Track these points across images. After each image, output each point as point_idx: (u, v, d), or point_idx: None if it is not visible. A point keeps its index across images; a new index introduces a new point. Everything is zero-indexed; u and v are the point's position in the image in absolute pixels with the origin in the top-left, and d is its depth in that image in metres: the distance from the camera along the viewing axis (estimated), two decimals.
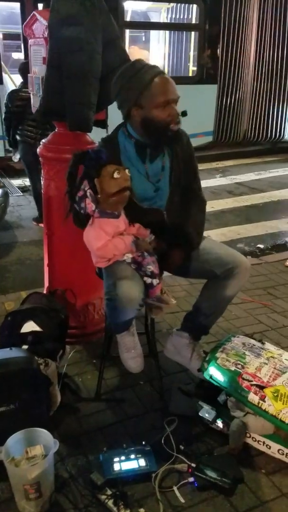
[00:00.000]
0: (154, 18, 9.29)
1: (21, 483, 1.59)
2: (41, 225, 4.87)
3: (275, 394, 1.87)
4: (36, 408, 1.86)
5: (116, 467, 1.75)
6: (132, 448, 1.84)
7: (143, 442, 1.87)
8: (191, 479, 1.76)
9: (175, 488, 1.74)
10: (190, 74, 8.69)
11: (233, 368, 1.97)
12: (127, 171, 1.80)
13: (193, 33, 8.39)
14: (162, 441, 1.90)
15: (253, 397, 1.87)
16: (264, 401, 1.85)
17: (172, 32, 9.23)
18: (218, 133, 8.42)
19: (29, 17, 2.44)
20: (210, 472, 1.75)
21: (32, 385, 1.84)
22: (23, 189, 6.42)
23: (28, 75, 2.57)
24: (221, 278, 2.02)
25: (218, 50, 7.91)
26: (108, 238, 1.84)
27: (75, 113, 2.22)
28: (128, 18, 8.30)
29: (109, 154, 1.83)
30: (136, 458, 1.79)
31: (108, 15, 2.28)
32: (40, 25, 2.29)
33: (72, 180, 1.82)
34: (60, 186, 2.43)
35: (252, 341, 2.19)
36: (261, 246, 4.60)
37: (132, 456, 1.80)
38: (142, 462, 1.78)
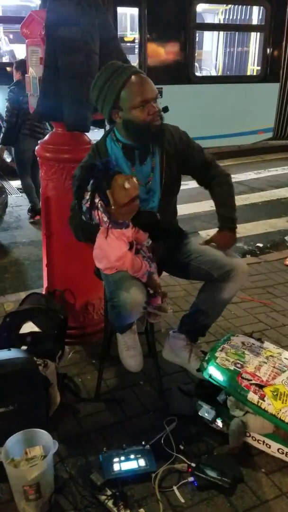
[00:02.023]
0: (208, 20, 9.47)
1: (21, 484, 1.59)
2: (38, 217, 4.95)
3: (275, 393, 1.86)
4: (35, 409, 1.86)
5: (116, 467, 1.75)
6: (132, 448, 1.83)
7: (143, 442, 1.86)
8: (191, 479, 1.76)
9: (175, 488, 1.74)
10: (248, 73, 8.81)
11: (232, 368, 1.96)
12: (134, 179, 1.76)
13: (252, 33, 8.45)
14: (162, 441, 1.90)
15: (252, 396, 1.87)
16: (264, 400, 1.85)
17: (228, 33, 9.34)
18: (278, 130, 8.47)
19: (26, 17, 2.44)
20: (210, 472, 1.75)
21: (31, 386, 1.84)
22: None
23: (26, 75, 2.56)
24: (218, 280, 2.01)
25: (282, 50, 7.97)
26: (126, 247, 1.82)
27: (72, 113, 2.22)
28: None
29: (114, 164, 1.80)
30: (136, 458, 1.79)
31: (105, 15, 2.28)
32: (37, 25, 2.29)
33: (81, 193, 1.76)
34: (58, 187, 2.43)
35: (252, 340, 2.19)
36: (261, 245, 4.60)
37: (132, 456, 1.79)
38: (141, 462, 1.78)
